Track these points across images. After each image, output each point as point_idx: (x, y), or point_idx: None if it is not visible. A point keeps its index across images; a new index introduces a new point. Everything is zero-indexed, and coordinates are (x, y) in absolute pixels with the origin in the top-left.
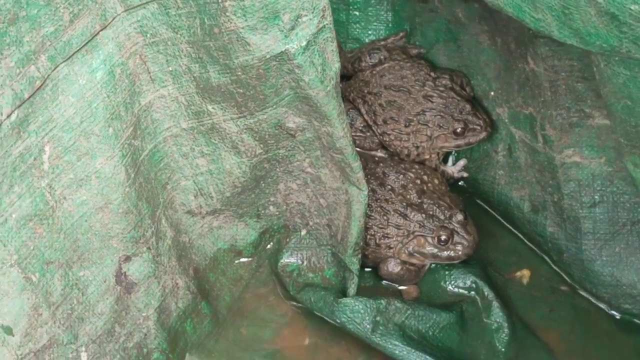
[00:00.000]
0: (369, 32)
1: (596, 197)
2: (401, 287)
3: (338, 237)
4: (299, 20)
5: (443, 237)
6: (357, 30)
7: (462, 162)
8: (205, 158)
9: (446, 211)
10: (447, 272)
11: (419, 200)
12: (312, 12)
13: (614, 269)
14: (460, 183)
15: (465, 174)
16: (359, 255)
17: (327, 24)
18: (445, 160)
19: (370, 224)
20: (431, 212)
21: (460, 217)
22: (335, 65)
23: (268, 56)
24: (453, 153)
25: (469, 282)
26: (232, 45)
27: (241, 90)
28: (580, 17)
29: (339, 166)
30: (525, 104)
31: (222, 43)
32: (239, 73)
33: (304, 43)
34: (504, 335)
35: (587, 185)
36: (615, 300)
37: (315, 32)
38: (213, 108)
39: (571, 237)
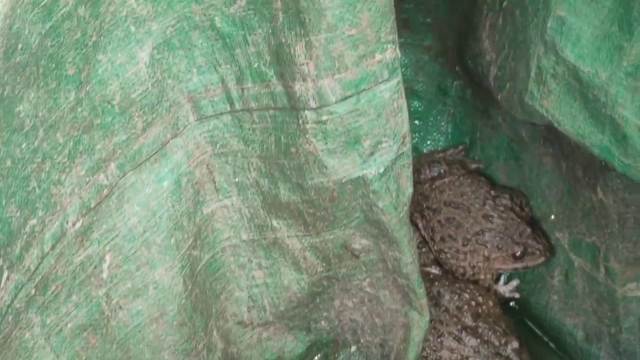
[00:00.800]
0: (428, 142)
1: None
2: None
3: (391, 358)
4: (379, 146)
5: None
6: (416, 139)
7: (515, 283)
8: (262, 271)
9: (502, 337)
10: None
11: (474, 324)
12: (393, 139)
13: None
14: (511, 304)
15: (517, 295)
16: None
17: (406, 151)
18: (497, 279)
19: (423, 346)
20: (486, 338)
21: (516, 344)
22: (408, 191)
23: (344, 180)
24: (506, 272)
25: None
26: (308, 166)
27: (311, 211)
28: None
29: (401, 289)
30: (588, 232)
31: (298, 163)
32: (312, 194)
33: (382, 169)
34: None
35: None
36: None
37: (394, 158)
38: (278, 224)
39: None
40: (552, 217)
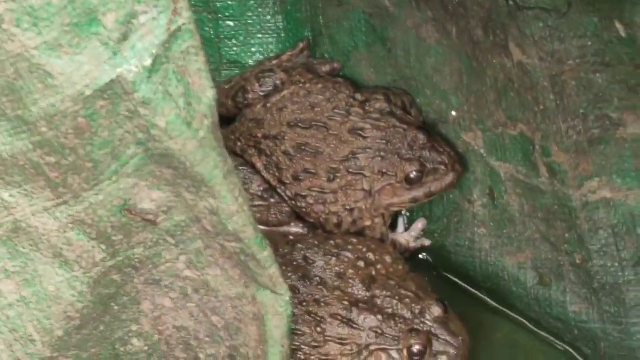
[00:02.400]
0: (253, 49)
1: None
2: None
3: None
4: (134, 22)
5: (416, 348)
6: (235, 48)
7: (420, 225)
8: (12, 280)
9: (414, 304)
10: None
11: (369, 294)
12: (156, 6)
13: None
14: (420, 256)
15: (426, 242)
16: None
17: (184, 25)
18: (393, 226)
19: (296, 343)
20: (391, 310)
21: (437, 311)
22: (207, 95)
23: (88, 92)
24: (404, 213)
25: None
26: (23, 83)
27: (53, 159)
28: None
29: (236, 261)
30: (511, 120)
31: (7, 81)
32: (44, 129)
33: (149, 62)
34: None
35: (627, 232)
36: None
37: (166, 39)
38: (11, 196)
39: (610, 317)
40: (453, 113)
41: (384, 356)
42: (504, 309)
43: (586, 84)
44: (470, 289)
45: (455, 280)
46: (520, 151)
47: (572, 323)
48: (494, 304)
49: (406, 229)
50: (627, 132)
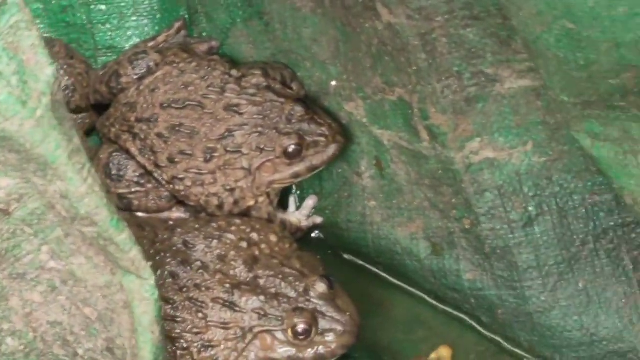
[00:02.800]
0: (129, 32)
1: (530, 208)
2: None
3: None
4: None
5: (301, 327)
6: (110, 33)
7: (310, 202)
8: None
9: (298, 282)
10: None
11: (251, 275)
12: None
13: (583, 316)
14: (313, 235)
15: (318, 220)
16: None
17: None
18: (285, 206)
19: (177, 331)
20: (274, 290)
21: (322, 287)
22: (46, 71)
23: None
24: (294, 191)
25: None
26: None
27: None
28: None
29: (98, 247)
30: (388, 85)
31: None
32: None
33: None
34: None
35: (513, 192)
36: None
37: None
38: None
39: (504, 282)
40: (333, 83)
41: (268, 338)
42: (402, 284)
43: (457, 40)
44: (367, 265)
45: (351, 258)
46: (400, 117)
47: (467, 292)
48: (392, 279)
49: (297, 208)
50: (504, 87)
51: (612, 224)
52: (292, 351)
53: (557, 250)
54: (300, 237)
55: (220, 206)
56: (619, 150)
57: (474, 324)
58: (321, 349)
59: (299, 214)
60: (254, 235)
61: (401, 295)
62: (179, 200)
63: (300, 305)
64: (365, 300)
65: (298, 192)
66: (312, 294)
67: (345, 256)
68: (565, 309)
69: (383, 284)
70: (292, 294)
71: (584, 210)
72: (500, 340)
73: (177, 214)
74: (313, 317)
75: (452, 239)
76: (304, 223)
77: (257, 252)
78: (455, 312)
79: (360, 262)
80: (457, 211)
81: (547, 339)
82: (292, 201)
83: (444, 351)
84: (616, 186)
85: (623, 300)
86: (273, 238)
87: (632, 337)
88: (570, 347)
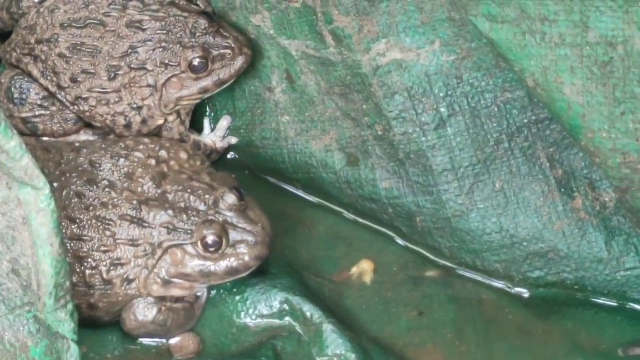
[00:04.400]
0: None
1: (442, 109)
2: (171, 342)
3: (34, 285)
4: None
5: (211, 239)
6: None
7: (224, 123)
8: None
9: (207, 195)
10: (238, 298)
11: (159, 191)
12: None
13: (502, 218)
14: (229, 156)
15: (233, 140)
16: (71, 307)
17: None
18: (198, 129)
19: (85, 250)
20: (183, 204)
21: (231, 198)
22: None
23: None
24: (208, 113)
25: (277, 304)
26: None
27: None
28: None
29: None
30: None
31: None
32: None
33: None
34: None
35: (424, 94)
36: (516, 268)
37: None
38: None
39: (420, 187)
40: None
41: (179, 252)
42: (321, 202)
43: None
44: (286, 186)
45: (271, 180)
46: (305, 24)
47: (385, 201)
48: (311, 198)
49: (212, 130)
50: None
51: (526, 121)
52: (203, 265)
53: (472, 151)
54: (216, 159)
55: (128, 126)
56: (517, 31)
57: (394, 236)
58: (234, 262)
59: (214, 136)
60: (163, 153)
61: (321, 212)
62: (87, 124)
63: (210, 217)
64: (285, 219)
65: (212, 115)
66: (221, 206)
67: (264, 177)
68: (483, 212)
69: (303, 202)
70: (202, 207)
71: (496, 109)
72: (422, 251)
73: (85, 136)
74: (223, 229)
75: (366, 147)
76: (219, 144)
77: (165, 169)
78: (376, 226)
79: (279, 183)
80: (368, 118)
81: (467, 244)
82: (206, 123)
83: (366, 265)
84: (517, 69)
85: (541, 199)
86: (183, 155)
87: (552, 236)
88: (491, 250)
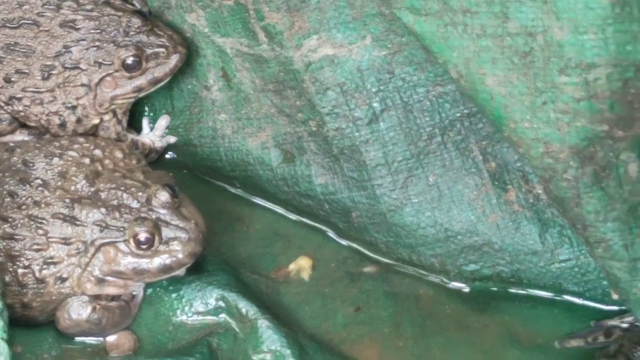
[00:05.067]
0: None
1: (375, 104)
2: (107, 340)
3: None
4: None
5: (143, 236)
6: None
7: (163, 122)
8: None
9: (140, 193)
10: (174, 295)
11: (92, 189)
12: None
13: (436, 212)
14: (168, 156)
15: (171, 139)
16: (0, 305)
17: None
18: (137, 128)
19: (17, 249)
20: (116, 202)
21: (164, 195)
22: None
23: None
24: (147, 113)
25: (213, 301)
26: None
27: None
28: None
29: None
30: None
31: None
32: None
33: None
34: None
35: (356, 89)
36: (451, 262)
37: None
38: None
39: (355, 183)
40: None
41: (112, 250)
42: (259, 201)
43: None
44: (224, 185)
45: (209, 179)
46: (239, 21)
47: (321, 197)
48: (249, 197)
49: (151, 130)
50: None
51: (458, 115)
52: (136, 262)
53: (405, 145)
54: (155, 159)
55: (62, 125)
56: (439, 23)
57: (331, 233)
58: (167, 259)
59: (152, 135)
60: (98, 152)
61: (259, 210)
62: (22, 124)
63: (142, 215)
64: (223, 217)
65: (151, 114)
66: (154, 203)
67: (202, 176)
68: (417, 206)
69: (241, 201)
70: (135, 205)
71: (428, 103)
72: (359, 247)
73: (21, 136)
74: (155, 226)
75: (301, 143)
76: (158, 143)
77: (99, 168)
78: (314, 223)
79: (217, 181)
80: (302, 114)
81: (402, 239)
82: (145, 123)
83: (304, 261)
84: (441, 61)
85: (475, 192)
86: (118, 154)
87: (486, 229)
88: (426, 244)
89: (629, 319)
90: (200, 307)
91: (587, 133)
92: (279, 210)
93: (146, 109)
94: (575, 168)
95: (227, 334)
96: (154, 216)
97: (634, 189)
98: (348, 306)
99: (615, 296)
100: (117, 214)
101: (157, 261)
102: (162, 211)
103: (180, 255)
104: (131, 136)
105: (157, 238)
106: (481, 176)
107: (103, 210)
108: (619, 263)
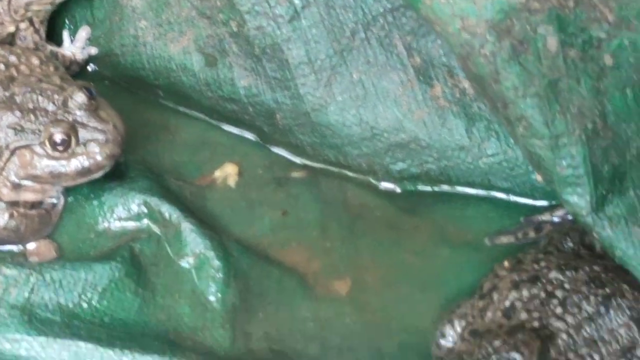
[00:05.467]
0: None
1: (296, 1)
2: (27, 247)
3: None
4: None
5: (58, 137)
6: None
7: (83, 33)
8: None
9: (56, 96)
10: (96, 202)
11: (7, 93)
12: None
13: (361, 110)
14: (90, 69)
15: (93, 51)
16: None
17: None
18: (58, 42)
19: None
20: (31, 105)
21: (80, 97)
22: None
23: None
24: (67, 25)
25: (135, 207)
26: None
27: None
28: None
29: None
30: None
31: None
32: None
33: None
34: (213, 273)
35: None
36: (378, 162)
37: None
38: None
39: (278, 83)
40: None
41: (27, 153)
42: (184, 110)
43: None
44: (148, 95)
45: (132, 89)
46: None
47: (244, 100)
48: (174, 105)
49: (72, 42)
50: None
51: (381, 10)
52: (53, 165)
53: (328, 42)
54: (77, 71)
55: None
56: None
57: (253, 137)
58: (84, 160)
59: (74, 47)
60: (13, 58)
61: (185, 120)
62: None
63: (58, 117)
64: (148, 127)
65: (71, 27)
66: (71, 105)
67: (125, 86)
68: (341, 104)
69: (166, 110)
70: (51, 108)
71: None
72: (286, 152)
73: None
74: (71, 127)
75: (222, 46)
76: (79, 55)
77: (15, 73)
78: (240, 129)
79: (141, 92)
80: (222, 14)
81: (328, 139)
82: (66, 35)
83: (229, 168)
84: None
85: (400, 89)
86: (35, 61)
87: (413, 125)
88: (352, 144)
89: (560, 212)
90: (122, 213)
91: (502, 5)
92: (205, 118)
93: (66, 21)
94: (492, 42)
95: (150, 239)
96: (70, 118)
97: (553, 64)
98: (275, 210)
99: (539, 178)
100: (32, 117)
101: (75, 163)
102: (79, 113)
103: (98, 157)
104: (50, 47)
105: (73, 139)
106: (406, 72)
107: (18, 113)
108: (540, 141)
